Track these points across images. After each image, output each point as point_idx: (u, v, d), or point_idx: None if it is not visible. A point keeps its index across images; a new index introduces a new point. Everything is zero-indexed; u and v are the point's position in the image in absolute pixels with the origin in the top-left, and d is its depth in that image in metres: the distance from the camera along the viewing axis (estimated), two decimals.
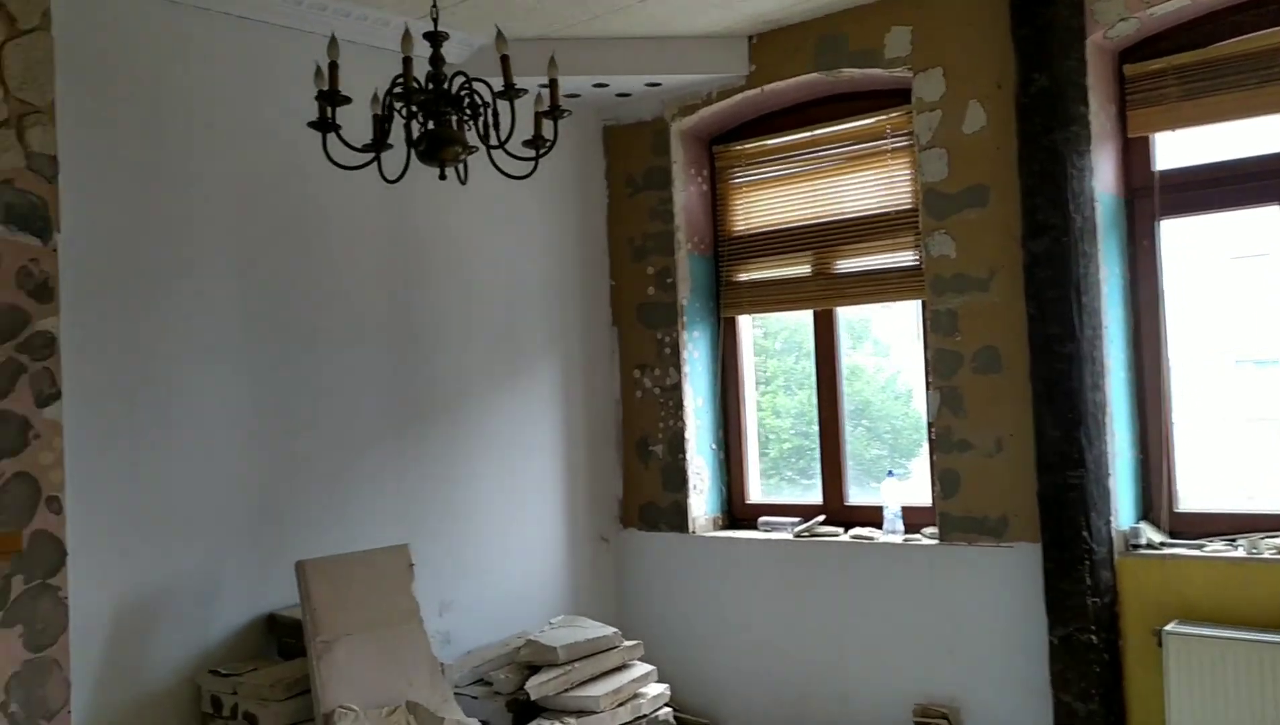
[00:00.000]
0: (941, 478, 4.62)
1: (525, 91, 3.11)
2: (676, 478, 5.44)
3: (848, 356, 5.29)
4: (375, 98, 3.23)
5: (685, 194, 5.50)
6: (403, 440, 4.77)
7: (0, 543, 3.09)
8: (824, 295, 5.22)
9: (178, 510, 4.06)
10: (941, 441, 4.61)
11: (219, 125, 4.25)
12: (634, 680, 4.50)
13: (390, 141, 3.25)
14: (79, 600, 3.78)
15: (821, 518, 5.13)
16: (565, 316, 5.51)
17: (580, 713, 4.27)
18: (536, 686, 4.29)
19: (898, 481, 4.93)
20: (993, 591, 4.51)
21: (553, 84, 3.16)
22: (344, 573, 3.88)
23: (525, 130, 3.23)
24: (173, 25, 4.13)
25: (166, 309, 4.08)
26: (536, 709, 4.37)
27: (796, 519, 5.18)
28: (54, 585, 3.72)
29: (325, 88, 3.03)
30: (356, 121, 3.30)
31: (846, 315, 5.28)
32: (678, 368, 5.45)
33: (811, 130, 5.20)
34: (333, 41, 3.05)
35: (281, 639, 4.14)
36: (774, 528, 5.24)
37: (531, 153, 3.22)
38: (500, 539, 5.13)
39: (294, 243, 4.46)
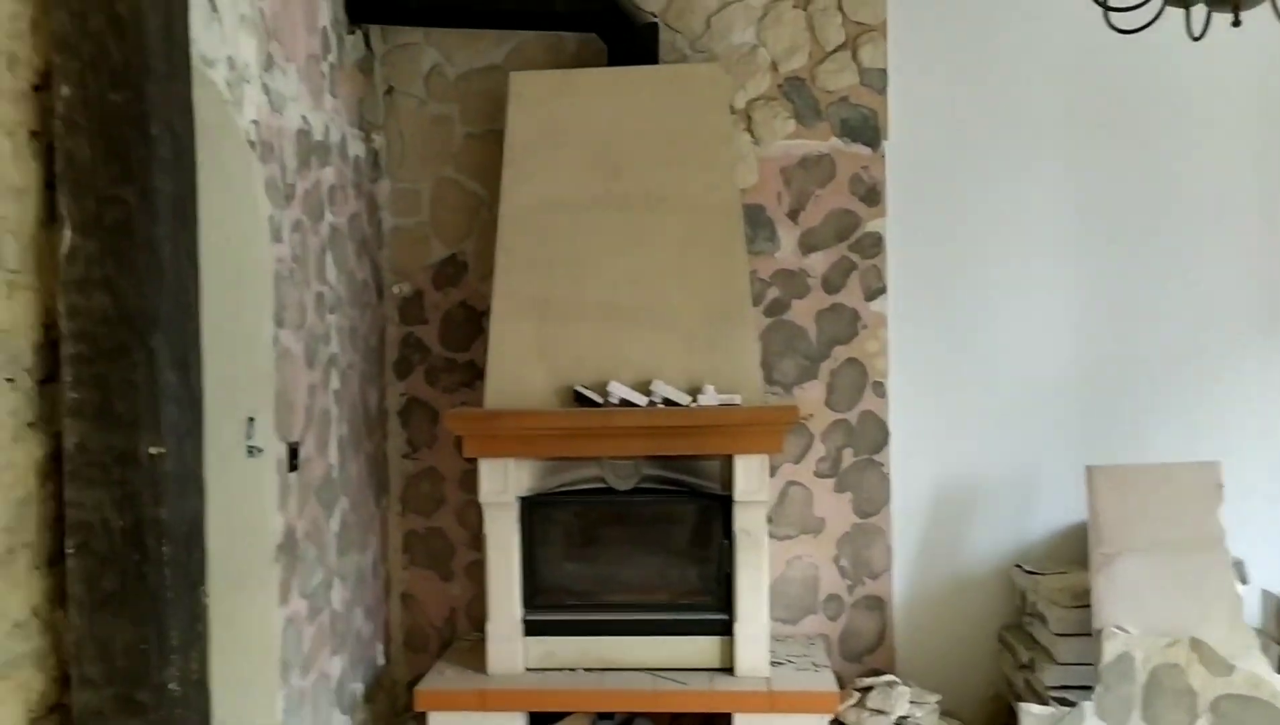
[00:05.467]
0: None
1: None
2: None
3: None
4: None
5: None
6: (1273, 340, 4.02)
7: (782, 414, 3.59)
8: None
9: (996, 403, 4.12)
10: None
11: (1044, 17, 4.06)
12: None
13: None
14: (900, 477, 4.15)
15: None
16: None
17: None
18: None
19: None
20: None
21: None
22: (1138, 484, 3.51)
23: None
24: None
25: (987, 205, 4.12)
26: None
27: None
28: (878, 461, 4.15)
29: None
30: None
31: None
32: None
33: None
34: None
35: None
36: None
37: None
38: None
39: (1133, 124, 4.06)
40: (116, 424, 1.89)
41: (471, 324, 4.24)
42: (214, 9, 2.67)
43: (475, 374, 4.21)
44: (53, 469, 1.91)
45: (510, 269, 3.79)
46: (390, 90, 4.23)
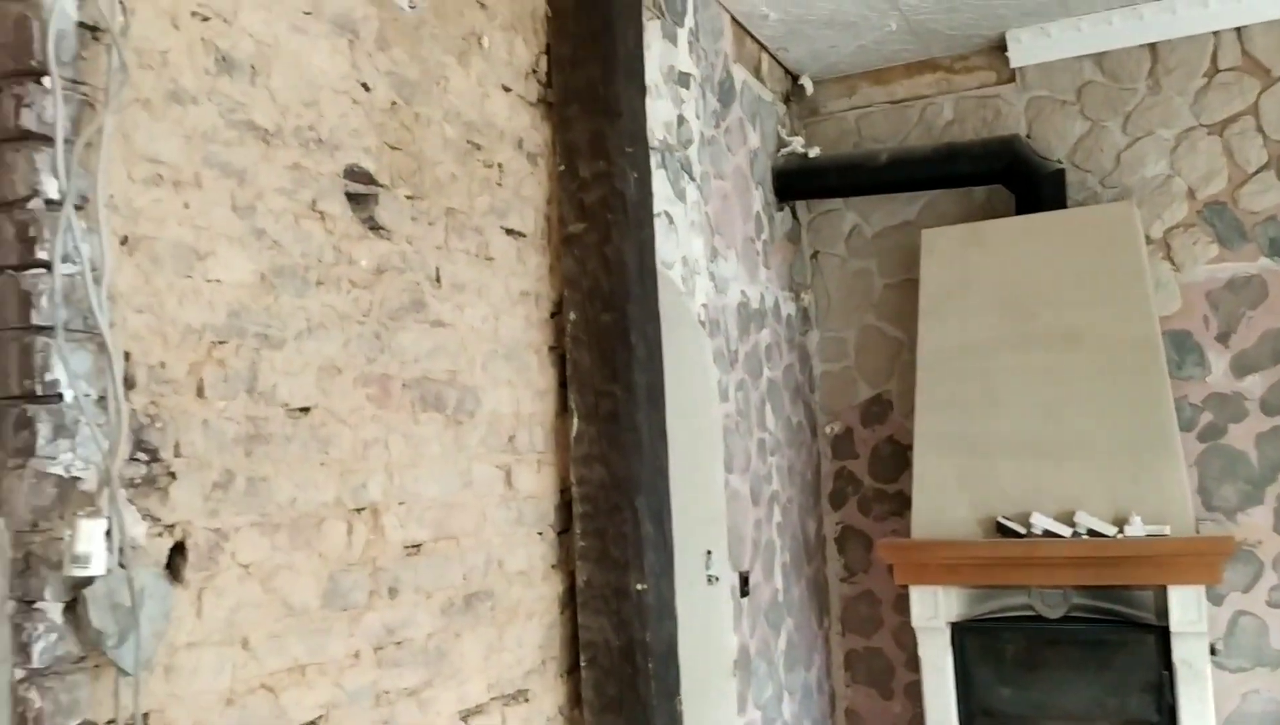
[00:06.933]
0: None
1: None
2: None
3: None
4: None
5: None
6: None
7: (1216, 544, 3.53)
8: None
9: None
10: None
11: None
12: None
13: None
14: None
15: None
16: None
17: None
18: None
19: None
20: None
21: None
22: None
23: None
24: None
25: None
26: None
27: None
28: None
29: None
30: None
31: None
32: None
33: None
34: None
35: None
36: None
37: None
38: None
39: None
40: (613, 566, 2.47)
41: (898, 457, 4.58)
42: (670, 222, 3.34)
43: (904, 503, 4.52)
44: (568, 600, 2.53)
45: (930, 407, 4.10)
46: (815, 253, 4.76)
